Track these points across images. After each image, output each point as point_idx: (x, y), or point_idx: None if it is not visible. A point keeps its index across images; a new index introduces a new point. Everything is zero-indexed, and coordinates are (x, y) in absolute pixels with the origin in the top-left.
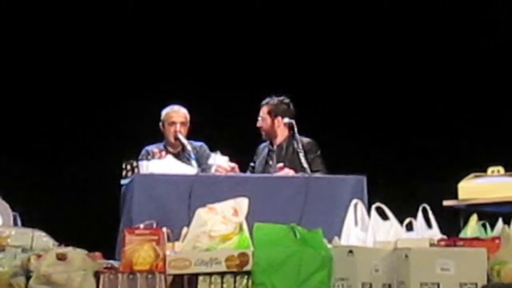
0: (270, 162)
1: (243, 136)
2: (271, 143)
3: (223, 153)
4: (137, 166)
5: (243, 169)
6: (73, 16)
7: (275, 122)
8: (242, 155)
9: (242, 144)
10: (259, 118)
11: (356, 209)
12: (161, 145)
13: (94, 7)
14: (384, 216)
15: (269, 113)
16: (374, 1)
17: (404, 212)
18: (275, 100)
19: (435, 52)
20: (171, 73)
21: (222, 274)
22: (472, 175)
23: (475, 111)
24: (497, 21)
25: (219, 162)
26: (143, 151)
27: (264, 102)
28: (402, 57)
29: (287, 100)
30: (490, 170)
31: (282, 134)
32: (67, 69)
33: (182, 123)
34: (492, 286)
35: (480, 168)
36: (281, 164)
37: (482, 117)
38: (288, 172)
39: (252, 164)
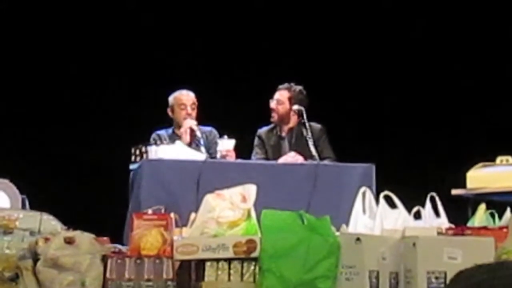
0: (286, 149)
1: (249, 120)
2: (279, 129)
3: (230, 136)
4: (146, 151)
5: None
6: (87, 5)
7: (292, 108)
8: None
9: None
10: (275, 101)
11: (364, 197)
12: (169, 130)
13: None
14: (392, 205)
15: (290, 99)
16: None
17: (412, 200)
18: (296, 88)
19: (444, 42)
20: (179, 60)
21: (229, 260)
22: (480, 164)
23: (484, 100)
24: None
25: (227, 146)
26: (154, 135)
27: (284, 86)
28: (412, 47)
29: (304, 91)
30: (498, 159)
31: (293, 120)
32: (77, 54)
33: (192, 106)
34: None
35: (489, 157)
36: (293, 153)
37: (491, 106)
38: (297, 159)
39: (257, 151)
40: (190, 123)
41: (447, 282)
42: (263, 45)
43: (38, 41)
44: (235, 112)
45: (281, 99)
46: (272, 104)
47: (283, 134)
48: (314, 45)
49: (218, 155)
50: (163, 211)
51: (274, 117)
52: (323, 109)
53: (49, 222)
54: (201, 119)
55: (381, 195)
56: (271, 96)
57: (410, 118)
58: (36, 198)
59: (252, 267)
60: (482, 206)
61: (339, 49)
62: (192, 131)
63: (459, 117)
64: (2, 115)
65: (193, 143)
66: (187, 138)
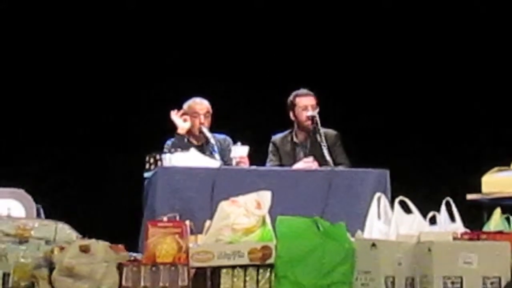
0: (300, 155)
1: (262, 127)
2: (294, 136)
3: (243, 143)
4: (160, 159)
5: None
6: (102, 11)
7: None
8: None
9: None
10: (312, 108)
11: (379, 202)
12: (184, 138)
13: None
14: (407, 210)
15: (317, 104)
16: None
17: (427, 205)
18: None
19: (457, 49)
20: (193, 68)
21: (245, 267)
22: (495, 168)
23: (497, 106)
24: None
25: (240, 153)
26: (168, 143)
27: (307, 92)
28: (425, 54)
29: None
30: None
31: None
32: (93, 65)
33: (205, 115)
34: None
35: (504, 161)
36: (311, 158)
37: (505, 111)
38: (311, 165)
39: (271, 157)
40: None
41: (464, 287)
42: (276, 54)
43: (54, 49)
44: (248, 119)
45: (314, 104)
46: (310, 112)
47: (298, 140)
48: (328, 51)
49: (233, 162)
50: (178, 218)
51: (309, 124)
52: (338, 115)
53: (64, 231)
54: (215, 127)
55: (396, 200)
56: (284, 103)
57: (424, 123)
58: (51, 207)
59: (268, 274)
60: (498, 211)
61: (354, 55)
62: (204, 136)
63: (473, 122)
64: (16, 126)
65: (207, 149)
66: (200, 136)
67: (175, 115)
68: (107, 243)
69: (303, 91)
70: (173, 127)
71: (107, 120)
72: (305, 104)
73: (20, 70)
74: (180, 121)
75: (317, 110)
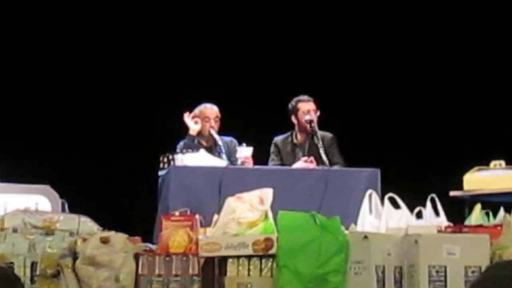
0: (299, 155)
1: (265, 129)
2: (294, 138)
3: (248, 144)
4: (173, 159)
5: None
6: (115, 16)
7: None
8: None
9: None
10: (313, 113)
11: (371, 198)
12: (195, 139)
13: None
14: (396, 205)
15: (317, 108)
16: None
17: (414, 201)
18: None
19: (441, 52)
20: (206, 78)
21: (249, 257)
22: (476, 168)
23: (479, 111)
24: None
25: (245, 153)
26: (180, 144)
27: (308, 98)
28: (411, 57)
29: None
30: (492, 163)
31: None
32: (112, 72)
33: (215, 119)
34: (495, 264)
35: (484, 161)
36: (312, 158)
37: (486, 115)
38: (308, 165)
39: (273, 157)
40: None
41: (447, 276)
42: (277, 64)
43: (77, 53)
44: (253, 123)
45: (314, 109)
46: (313, 115)
47: (297, 142)
48: (321, 56)
49: (238, 162)
50: (189, 213)
51: (313, 127)
52: (335, 119)
53: (87, 224)
54: (223, 130)
55: (386, 197)
56: (284, 109)
57: (413, 130)
58: (75, 202)
59: (270, 263)
60: (478, 206)
61: (344, 62)
62: (213, 138)
63: (457, 125)
64: (45, 130)
65: (215, 150)
66: (209, 138)
67: (187, 118)
68: (125, 235)
69: (304, 97)
70: (186, 128)
71: (126, 124)
72: (307, 109)
73: (47, 74)
74: (192, 123)
75: (318, 114)
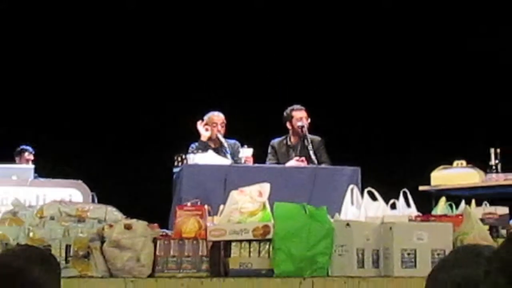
0: (292, 155)
1: (262, 134)
2: (288, 140)
3: (249, 146)
4: (185, 158)
5: (262, 158)
6: (130, 20)
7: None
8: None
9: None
10: (305, 120)
11: (353, 192)
12: (205, 143)
13: (157, 11)
14: (374, 198)
15: (308, 116)
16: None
17: (389, 195)
18: None
19: (418, 55)
20: (215, 89)
21: (249, 241)
22: (441, 166)
23: (445, 116)
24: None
25: (247, 153)
26: (191, 146)
27: (301, 107)
28: (389, 60)
29: None
30: (455, 162)
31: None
32: (138, 76)
33: (221, 124)
34: (457, 248)
35: (448, 161)
36: (303, 158)
37: (451, 120)
38: (300, 164)
39: (270, 157)
40: (219, 135)
41: (417, 257)
42: (273, 78)
43: (103, 56)
44: (253, 127)
45: (306, 116)
46: (305, 122)
47: (291, 144)
48: (309, 64)
49: (241, 161)
50: (199, 204)
51: (305, 131)
52: (323, 124)
53: (113, 213)
54: (228, 133)
55: (365, 190)
56: (280, 115)
57: (388, 132)
58: (102, 195)
59: (267, 246)
60: (443, 199)
61: (329, 71)
62: (219, 140)
63: (425, 129)
64: (78, 135)
65: (221, 151)
66: (216, 140)
67: (200, 125)
68: (145, 222)
69: (297, 106)
70: (197, 132)
71: (146, 129)
72: (300, 116)
73: (76, 77)
74: (203, 130)
75: (309, 120)
